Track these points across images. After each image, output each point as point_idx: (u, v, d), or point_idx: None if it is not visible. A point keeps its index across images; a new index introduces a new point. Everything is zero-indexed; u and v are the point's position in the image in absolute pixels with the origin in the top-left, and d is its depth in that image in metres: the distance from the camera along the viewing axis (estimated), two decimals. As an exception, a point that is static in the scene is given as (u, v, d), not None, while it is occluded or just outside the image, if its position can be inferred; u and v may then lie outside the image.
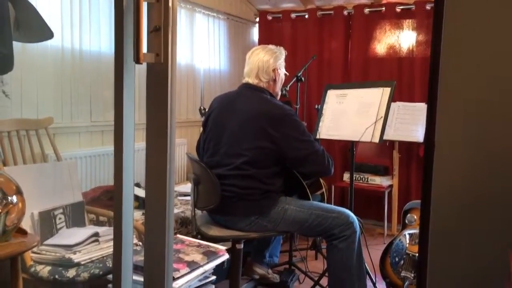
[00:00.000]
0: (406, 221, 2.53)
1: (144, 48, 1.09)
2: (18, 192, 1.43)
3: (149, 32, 1.15)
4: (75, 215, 2.13)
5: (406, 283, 2.27)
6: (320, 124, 2.75)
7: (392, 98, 2.53)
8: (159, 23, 1.14)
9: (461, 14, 0.88)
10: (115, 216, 1.19)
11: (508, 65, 0.86)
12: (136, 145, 1.14)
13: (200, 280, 1.76)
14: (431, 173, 0.87)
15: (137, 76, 1.14)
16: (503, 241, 0.86)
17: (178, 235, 2.10)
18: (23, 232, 1.52)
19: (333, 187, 3.93)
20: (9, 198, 1.37)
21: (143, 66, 1.13)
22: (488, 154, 0.86)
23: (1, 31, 1.83)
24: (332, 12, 4.28)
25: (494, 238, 0.86)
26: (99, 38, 2.96)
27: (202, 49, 4.03)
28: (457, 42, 0.88)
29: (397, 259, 2.39)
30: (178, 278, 1.63)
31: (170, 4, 1.13)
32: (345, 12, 4.23)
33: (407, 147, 3.90)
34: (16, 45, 2.12)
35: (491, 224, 0.86)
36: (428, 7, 3.87)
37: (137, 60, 1.08)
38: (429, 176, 0.87)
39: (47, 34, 2.12)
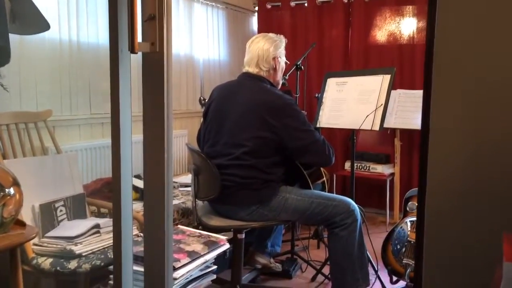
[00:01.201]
0: (408, 209, 2.53)
1: (139, 37, 1.08)
2: (15, 183, 1.43)
3: (143, 21, 1.13)
4: (76, 207, 2.14)
5: (408, 270, 2.27)
6: (320, 113, 2.74)
7: (393, 85, 2.51)
8: (154, 11, 1.13)
9: (454, 4, 0.87)
10: (114, 208, 1.18)
11: (502, 52, 0.85)
12: (137, 137, 1.13)
13: (201, 270, 1.77)
14: (427, 159, 0.87)
15: (136, 66, 1.13)
16: (496, 224, 0.85)
17: (179, 226, 2.10)
18: (21, 224, 1.52)
19: (334, 176, 3.93)
20: (6, 190, 1.37)
21: (140, 55, 1.12)
22: (481, 140, 0.86)
23: (-3, 23, 1.81)
24: (331, -1, 4.24)
25: (487, 222, 0.86)
26: (97, 29, 2.94)
27: (201, 39, 4.01)
28: (451, 29, 0.88)
29: (398, 247, 2.39)
30: (179, 268, 1.63)
31: (164, -9, 1.11)
32: (345, 0, 4.19)
33: (408, 135, 3.88)
34: (14, 38, 2.11)
35: (485, 208, 0.86)
36: (428, -7, 3.82)
37: (132, 50, 1.06)
38: (425, 163, 0.87)
39: (43, 25, 2.10)
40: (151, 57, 1.14)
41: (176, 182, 3.20)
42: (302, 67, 3.13)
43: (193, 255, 1.71)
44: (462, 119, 0.89)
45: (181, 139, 3.80)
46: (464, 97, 0.88)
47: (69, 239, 1.85)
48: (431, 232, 0.89)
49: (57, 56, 2.69)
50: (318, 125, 2.70)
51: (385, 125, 2.48)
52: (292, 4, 4.43)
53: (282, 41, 2.37)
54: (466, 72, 0.88)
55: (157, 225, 1.19)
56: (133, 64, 1.12)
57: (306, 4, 4.36)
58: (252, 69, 2.29)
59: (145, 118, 1.17)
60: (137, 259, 1.54)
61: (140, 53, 1.09)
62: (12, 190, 1.38)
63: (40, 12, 2.03)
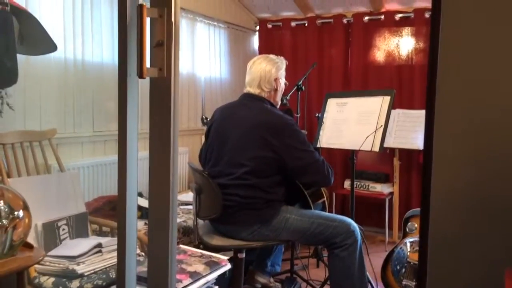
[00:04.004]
0: (407, 229, 2.54)
1: (147, 63, 1.11)
2: (25, 207, 1.45)
3: (152, 47, 1.17)
4: (79, 226, 2.15)
5: (408, 291, 2.28)
6: (321, 132, 2.77)
7: (392, 106, 2.55)
8: (162, 38, 1.16)
9: (458, 24, 0.89)
10: (119, 227, 1.20)
11: (505, 73, 0.87)
12: (138, 154, 1.15)
13: (202, 291, 1.77)
14: (430, 182, 0.88)
15: (139, 84, 1.16)
16: (502, 249, 0.86)
17: (181, 245, 2.11)
18: (29, 246, 1.53)
19: (334, 194, 3.94)
20: (16, 213, 1.39)
21: (146, 77, 1.15)
22: (486, 162, 0.86)
23: (6, 44, 1.85)
24: (331, 20, 4.31)
25: (493, 246, 0.87)
26: (101, 49, 2.99)
27: (203, 57, 4.06)
28: (454, 50, 0.89)
29: (398, 267, 2.40)
30: (181, 289, 1.64)
31: (172, 19, 1.15)
32: (345, 20, 4.26)
33: (407, 154, 3.91)
34: (20, 58, 2.14)
35: (490, 232, 0.87)
36: (427, 15, 3.90)
37: (140, 75, 1.10)
38: (428, 185, 0.88)
39: (50, 47, 2.15)
40: (159, 82, 1.16)
41: (178, 200, 3.21)
42: (303, 87, 3.17)
43: (195, 276, 1.72)
44: (467, 142, 0.90)
45: (183, 156, 3.82)
46: (469, 119, 0.89)
47: (71, 258, 1.86)
48: (435, 256, 0.90)
49: (62, 75, 2.73)
50: (318, 145, 2.72)
51: (384, 145, 2.51)
52: (293, 24, 4.51)
53: (283, 62, 2.41)
54: (470, 93, 0.89)
55: (161, 245, 1.20)
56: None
57: (306, 24, 4.43)
58: (254, 90, 2.32)
59: (151, 140, 1.19)
60: (139, 279, 1.54)
61: (145, 78, 1.12)
62: (21, 213, 1.39)
63: (47, 33, 2.07)
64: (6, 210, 1.37)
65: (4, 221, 1.33)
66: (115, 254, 1.20)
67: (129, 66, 1.15)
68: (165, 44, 1.16)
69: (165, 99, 1.17)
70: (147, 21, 1.11)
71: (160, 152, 1.19)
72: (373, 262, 2.60)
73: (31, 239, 1.90)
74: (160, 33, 1.16)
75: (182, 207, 3.14)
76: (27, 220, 1.43)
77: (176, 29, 1.17)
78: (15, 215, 1.37)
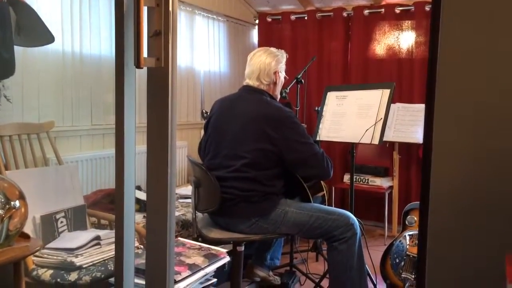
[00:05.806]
0: (406, 222, 2.54)
1: (144, 53, 1.10)
2: (21, 197, 1.44)
3: (149, 37, 1.15)
4: (77, 218, 2.14)
5: (407, 284, 2.28)
6: (320, 126, 2.76)
7: (392, 100, 2.54)
8: (160, 27, 1.14)
9: (458, 17, 0.89)
10: (117, 219, 1.19)
11: (504, 67, 0.86)
12: (137, 148, 1.15)
13: (201, 283, 1.77)
14: (429, 175, 0.88)
15: (137, 77, 1.15)
16: (501, 241, 0.86)
17: (179, 238, 2.10)
18: (26, 237, 1.53)
19: (333, 188, 3.94)
20: (12, 202, 1.38)
21: (144, 68, 1.13)
22: (485, 156, 0.86)
23: (2, 36, 1.84)
24: (331, 13, 4.29)
25: (492, 239, 0.87)
26: (99, 42, 2.97)
27: (202, 51, 4.04)
28: (454, 45, 0.89)
29: (397, 261, 2.40)
30: (180, 281, 1.63)
31: (170, 8, 1.13)
32: (345, 14, 4.24)
33: (407, 148, 3.90)
34: (17, 50, 2.13)
35: (489, 225, 0.87)
36: (427, 8, 3.88)
37: (138, 65, 1.08)
38: (427, 178, 0.88)
39: (48, 38, 2.14)
40: (156, 72, 1.15)
41: (176, 194, 3.21)
42: (303, 80, 3.16)
43: (194, 268, 1.71)
44: (466, 135, 0.89)
45: (181, 150, 3.81)
46: (468, 113, 0.89)
47: (69, 250, 1.85)
48: (434, 249, 0.90)
49: (60, 68, 2.71)
50: (318, 138, 2.72)
51: (384, 139, 2.50)
52: (292, 17, 4.48)
53: (283, 56, 2.40)
54: (470, 88, 0.89)
55: (159, 238, 1.20)
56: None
57: (306, 18, 4.41)
58: (253, 82, 2.31)
59: (149, 132, 1.18)
60: (137, 271, 1.54)
61: (142, 68, 1.11)
62: (18, 203, 1.39)
63: (45, 24, 2.06)
64: (2, 200, 1.36)
65: (0, 211, 1.32)
66: (113, 246, 1.20)
67: (126, 56, 1.14)
68: (163, 33, 1.14)
69: (163, 89, 1.16)
70: (145, 10, 1.10)
71: (158, 140, 1.18)
72: (372, 256, 2.60)
73: (29, 231, 1.89)
74: (157, 22, 1.15)
75: (181, 200, 3.13)
76: (23, 210, 1.42)
77: (174, 18, 1.16)
78: (11, 205, 1.37)
